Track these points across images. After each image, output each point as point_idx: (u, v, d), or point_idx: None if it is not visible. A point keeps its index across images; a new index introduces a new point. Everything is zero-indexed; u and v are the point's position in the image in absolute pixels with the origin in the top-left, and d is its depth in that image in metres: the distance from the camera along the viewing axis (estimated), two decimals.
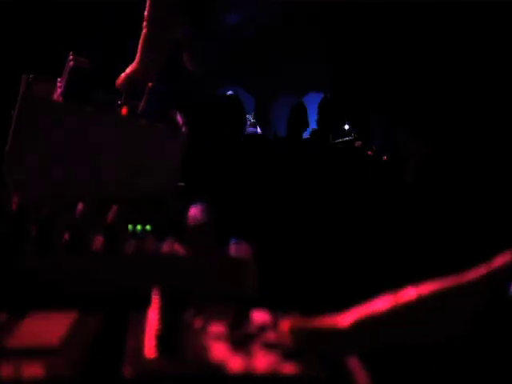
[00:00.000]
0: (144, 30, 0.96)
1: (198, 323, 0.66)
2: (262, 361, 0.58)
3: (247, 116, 6.23)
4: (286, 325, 0.59)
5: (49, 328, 0.66)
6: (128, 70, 0.97)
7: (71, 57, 0.96)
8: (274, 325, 0.66)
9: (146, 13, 0.96)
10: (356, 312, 0.58)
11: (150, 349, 0.59)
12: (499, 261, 0.57)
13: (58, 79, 1.00)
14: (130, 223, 0.85)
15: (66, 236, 0.81)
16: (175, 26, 0.96)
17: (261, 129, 6.24)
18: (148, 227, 0.85)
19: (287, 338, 0.59)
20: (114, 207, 0.85)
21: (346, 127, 5.39)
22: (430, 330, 0.57)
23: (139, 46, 0.96)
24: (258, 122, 6.28)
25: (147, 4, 0.95)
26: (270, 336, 0.63)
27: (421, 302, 0.57)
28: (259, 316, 0.69)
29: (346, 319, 0.58)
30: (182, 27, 0.97)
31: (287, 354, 0.59)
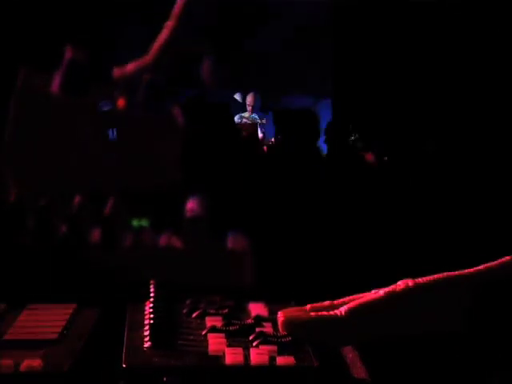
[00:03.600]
0: (167, 29, 0.95)
1: (194, 315, 0.67)
2: (259, 352, 0.58)
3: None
4: (281, 316, 0.60)
5: (48, 320, 0.66)
6: (138, 63, 0.97)
7: (69, 49, 0.96)
8: (271, 316, 0.66)
9: (175, 11, 0.94)
10: (352, 301, 0.58)
11: (147, 340, 0.59)
12: (496, 262, 0.57)
13: (56, 71, 1.00)
14: (128, 216, 0.85)
15: (64, 228, 0.82)
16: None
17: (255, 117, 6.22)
18: (145, 220, 0.85)
19: (283, 329, 0.59)
20: (112, 200, 0.85)
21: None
22: (423, 322, 0.57)
23: (157, 43, 0.95)
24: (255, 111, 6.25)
25: (179, 4, 0.94)
26: (267, 328, 0.64)
27: (416, 290, 0.57)
28: (256, 308, 0.69)
29: (341, 308, 0.58)
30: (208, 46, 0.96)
31: (283, 346, 0.60)
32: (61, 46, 0.98)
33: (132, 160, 0.98)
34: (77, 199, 0.85)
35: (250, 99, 6.31)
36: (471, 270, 0.58)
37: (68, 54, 0.97)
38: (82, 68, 0.97)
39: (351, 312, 0.57)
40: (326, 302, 0.60)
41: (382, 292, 0.58)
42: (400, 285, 0.58)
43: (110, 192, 0.88)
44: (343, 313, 0.57)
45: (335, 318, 0.58)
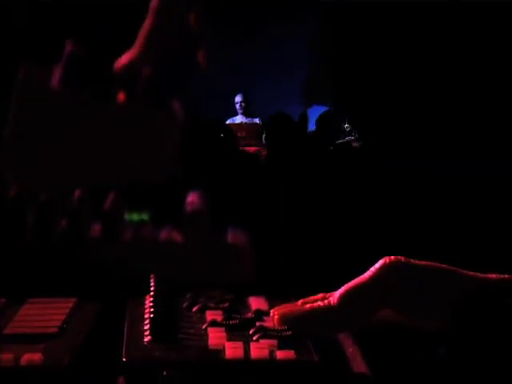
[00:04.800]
0: (148, 20, 0.94)
1: (195, 309, 0.67)
2: (259, 346, 0.58)
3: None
4: (275, 313, 0.60)
5: (48, 314, 0.66)
6: (126, 57, 0.96)
7: (69, 43, 0.96)
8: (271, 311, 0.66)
9: (152, 3, 0.94)
10: (342, 288, 0.58)
11: (147, 335, 0.59)
12: (496, 275, 0.57)
13: (56, 66, 1.00)
14: (128, 210, 0.85)
15: (64, 223, 0.82)
16: (181, 19, 0.95)
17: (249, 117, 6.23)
18: (145, 215, 0.85)
19: (279, 326, 0.59)
20: (112, 194, 0.85)
21: (347, 127, 5.40)
22: (411, 306, 0.57)
23: (141, 34, 0.95)
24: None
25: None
26: (267, 322, 0.64)
27: (406, 266, 0.57)
28: (256, 302, 0.70)
29: (333, 296, 0.58)
30: (199, 22, 0.96)
31: (284, 340, 0.60)
32: (61, 40, 0.98)
33: (131, 154, 0.98)
34: (77, 194, 0.85)
35: (238, 98, 6.30)
36: (469, 272, 0.58)
37: (68, 47, 0.97)
38: (82, 62, 0.97)
39: (342, 297, 0.57)
40: (320, 295, 0.60)
41: (372, 269, 0.58)
42: (391, 258, 0.58)
43: (110, 187, 0.88)
44: (335, 300, 0.57)
45: (328, 307, 0.58)
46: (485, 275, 0.58)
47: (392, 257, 0.58)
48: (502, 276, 0.57)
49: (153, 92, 0.98)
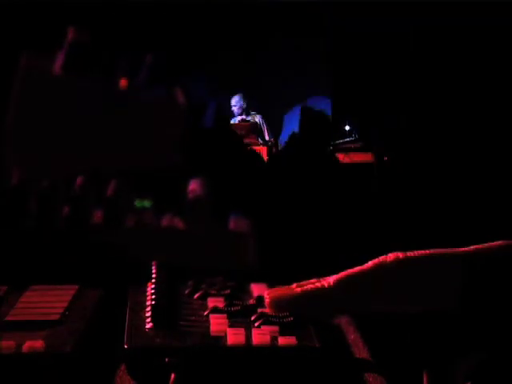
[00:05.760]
0: None
1: (196, 296, 0.67)
2: (260, 333, 0.58)
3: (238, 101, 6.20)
4: (267, 296, 0.59)
5: (50, 301, 0.66)
6: None
7: (71, 30, 0.96)
8: None
9: None
10: (340, 273, 0.58)
11: (148, 322, 0.59)
12: (487, 244, 0.57)
13: (58, 52, 1.00)
14: (130, 197, 0.85)
15: (66, 210, 0.82)
16: None
17: (252, 116, 6.22)
18: (147, 201, 0.85)
19: (270, 309, 0.59)
20: (114, 181, 0.85)
21: (347, 128, 5.43)
22: (413, 296, 0.57)
23: None
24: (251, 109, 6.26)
25: None
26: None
27: (406, 262, 0.57)
28: (258, 289, 0.69)
29: (329, 279, 0.57)
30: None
31: (285, 326, 0.60)
32: (63, 27, 0.97)
33: (134, 141, 0.98)
34: (79, 181, 0.85)
35: (234, 101, 6.29)
36: (462, 249, 0.57)
37: (70, 34, 0.97)
38: (84, 49, 0.97)
39: (338, 282, 0.57)
40: (313, 280, 0.59)
41: (370, 263, 0.57)
42: (390, 256, 0.57)
43: (113, 173, 0.88)
44: (331, 283, 0.57)
45: (321, 289, 0.57)
46: (474, 248, 0.57)
47: (391, 254, 0.58)
48: (488, 245, 0.57)
49: (155, 79, 0.98)
